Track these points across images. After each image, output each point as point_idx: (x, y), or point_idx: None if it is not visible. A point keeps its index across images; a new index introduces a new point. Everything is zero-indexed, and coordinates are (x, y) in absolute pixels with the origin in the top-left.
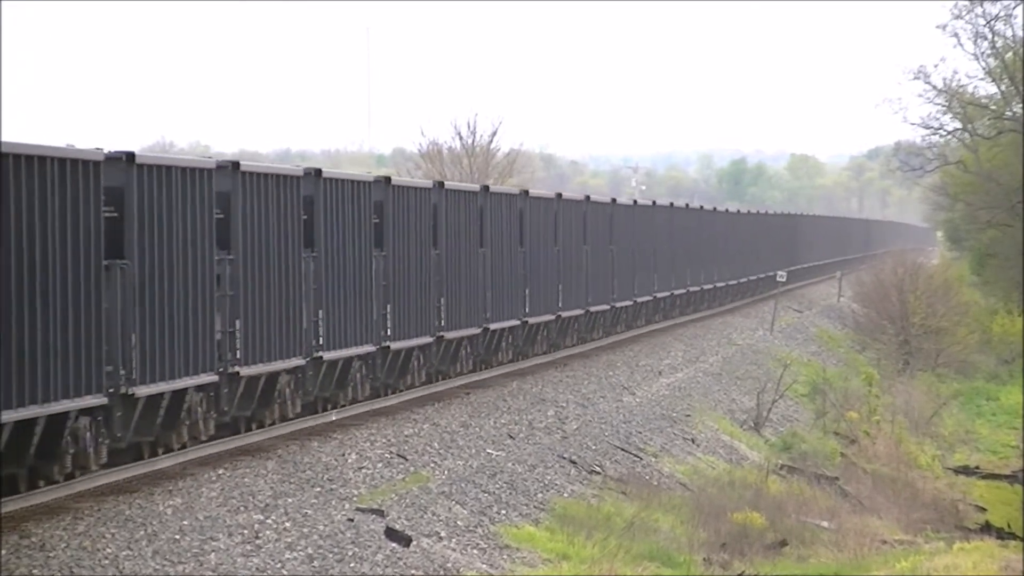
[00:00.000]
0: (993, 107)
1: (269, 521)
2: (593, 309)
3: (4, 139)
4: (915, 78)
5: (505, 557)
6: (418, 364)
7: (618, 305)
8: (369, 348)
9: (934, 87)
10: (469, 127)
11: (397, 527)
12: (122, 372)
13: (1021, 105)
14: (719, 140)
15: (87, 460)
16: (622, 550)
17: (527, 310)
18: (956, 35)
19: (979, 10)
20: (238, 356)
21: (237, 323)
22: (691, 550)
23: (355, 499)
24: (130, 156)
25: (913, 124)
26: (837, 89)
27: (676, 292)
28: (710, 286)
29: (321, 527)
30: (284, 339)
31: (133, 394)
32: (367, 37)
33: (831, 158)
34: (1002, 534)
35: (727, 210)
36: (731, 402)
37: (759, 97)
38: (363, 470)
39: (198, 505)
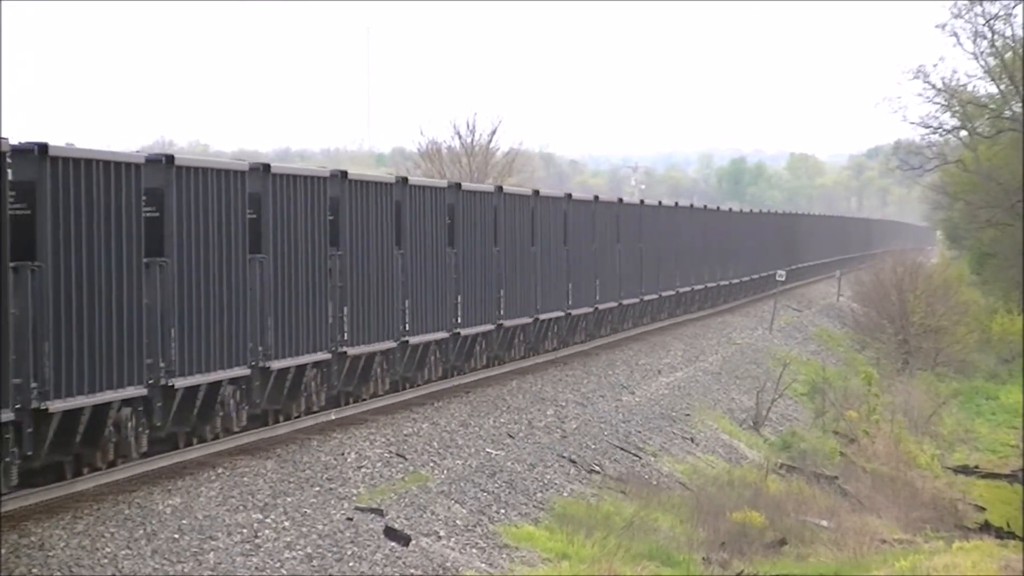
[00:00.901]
0: (992, 106)
1: (268, 520)
2: (601, 307)
3: (36, 141)
4: (914, 77)
5: (504, 556)
6: (435, 359)
7: (625, 303)
8: (390, 344)
9: (933, 86)
10: (468, 126)
11: (396, 526)
12: (162, 365)
13: (1020, 104)
14: (719, 140)
15: (128, 448)
16: (621, 549)
17: (538, 307)
18: (955, 34)
19: (978, 9)
20: (270, 351)
21: (269, 320)
22: (690, 549)
23: (354, 498)
24: (169, 158)
25: (912, 123)
26: (837, 89)
27: (681, 290)
28: (714, 284)
29: (320, 526)
30: (311, 334)
31: (172, 385)
32: (367, 37)
33: (831, 157)
34: (1001, 533)
35: (730, 209)
36: (730, 401)
37: (759, 97)
38: (362, 469)
39: (197, 504)
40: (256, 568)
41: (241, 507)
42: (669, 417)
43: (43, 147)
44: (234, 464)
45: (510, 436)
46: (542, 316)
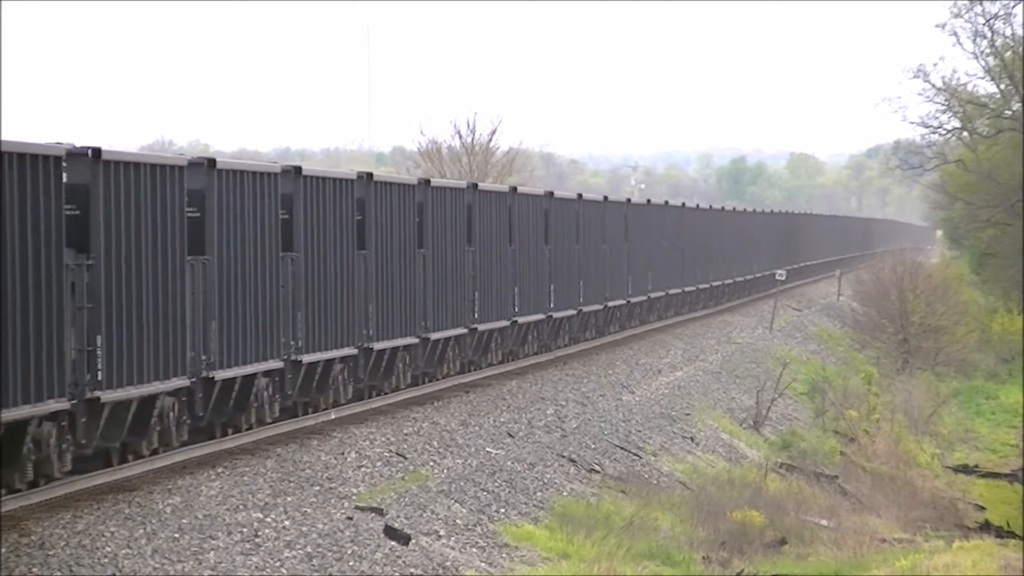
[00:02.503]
0: (992, 106)
1: (268, 520)
2: (611, 304)
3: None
4: (914, 77)
5: (504, 556)
6: (453, 354)
7: (632, 301)
8: (412, 340)
9: (933, 86)
10: (468, 126)
11: (396, 526)
12: (203, 358)
13: (1020, 104)
14: (719, 139)
15: (170, 438)
16: (621, 549)
17: (552, 305)
18: (955, 34)
19: (978, 9)
20: (300, 345)
21: (299, 315)
22: (690, 548)
23: (354, 498)
24: (211, 162)
25: (912, 123)
26: (837, 88)
27: (686, 289)
28: (719, 283)
29: (320, 526)
30: (339, 330)
31: (212, 377)
32: (367, 36)
33: (831, 157)
34: (1001, 533)
35: (734, 209)
36: (730, 401)
37: (759, 96)
38: (362, 469)
39: (197, 504)
40: (256, 567)
41: (241, 506)
42: (669, 416)
43: (96, 151)
44: (234, 463)
45: (510, 435)
46: (555, 314)
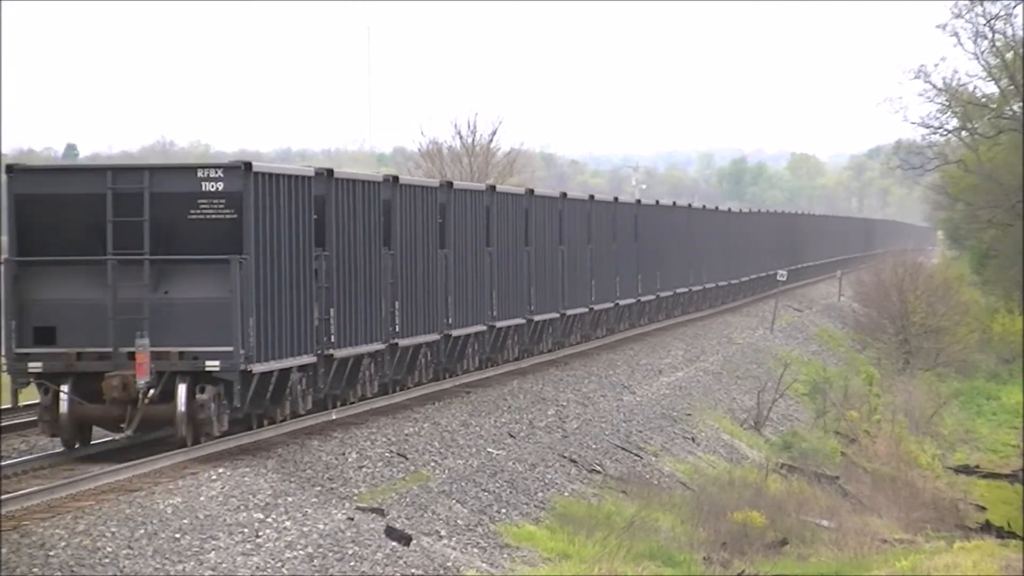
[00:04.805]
0: (993, 106)
1: (269, 520)
2: (622, 303)
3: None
4: (915, 77)
5: (505, 556)
6: (473, 350)
7: (643, 299)
8: (435, 336)
9: (934, 86)
10: (469, 126)
11: (397, 526)
12: (325, 338)
13: (1021, 104)
14: (719, 139)
15: (298, 406)
16: (622, 549)
17: (565, 303)
18: (956, 34)
19: (979, 9)
20: (332, 340)
21: (332, 311)
22: (691, 549)
23: (355, 498)
24: (330, 172)
25: (913, 123)
26: (837, 88)
27: (693, 288)
28: (724, 283)
29: (321, 526)
30: (368, 326)
31: (332, 355)
32: (367, 36)
33: (831, 157)
34: (1002, 533)
35: (739, 210)
36: (731, 401)
37: (759, 96)
38: (363, 469)
39: (198, 504)
40: (257, 568)
41: (242, 507)
42: (670, 417)
43: (248, 164)
44: (235, 464)
45: (511, 436)
46: (568, 312)
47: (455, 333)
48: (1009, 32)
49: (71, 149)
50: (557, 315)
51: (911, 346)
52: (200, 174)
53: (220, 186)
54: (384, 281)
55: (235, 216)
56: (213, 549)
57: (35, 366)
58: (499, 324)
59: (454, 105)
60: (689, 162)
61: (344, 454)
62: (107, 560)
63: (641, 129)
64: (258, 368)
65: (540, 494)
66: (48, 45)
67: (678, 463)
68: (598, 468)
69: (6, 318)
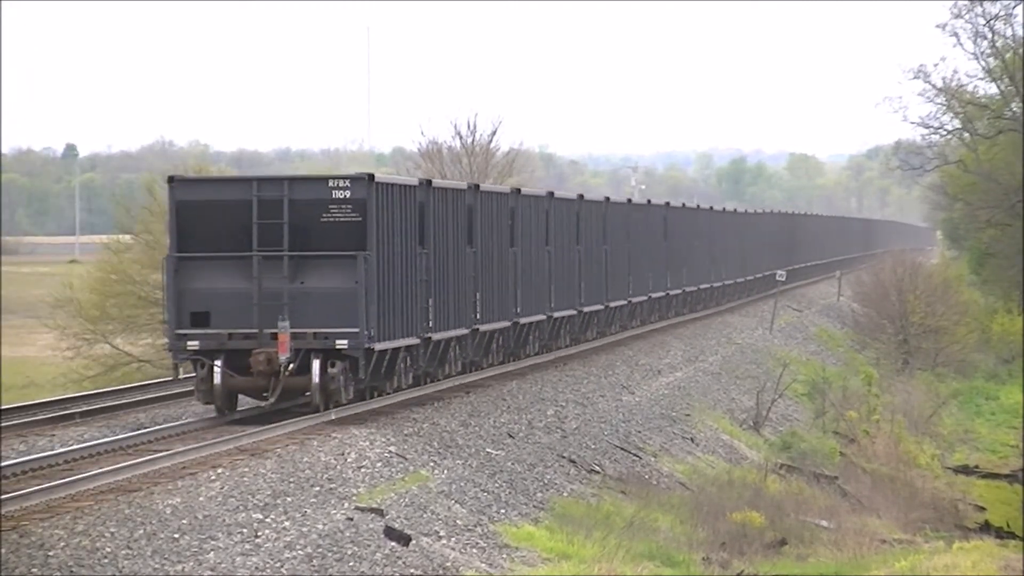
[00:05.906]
0: (993, 106)
1: (268, 520)
2: (635, 300)
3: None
4: (915, 77)
5: (504, 556)
6: (497, 345)
7: (653, 296)
8: (463, 331)
9: (934, 86)
10: (469, 126)
11: (396, 526)
12: (425, 323)
13: (1021, 104)
14: (719, 139)
15: (401, 382)
16: (621, 549)
17: (582, 300)
18: (956, 34)
19: (979, 9)
20: (430, 325)
21: (430, 300)
22: (690, 549)
23: (354, 498)
24: (428, 181)
25: (913, 123)
26: (837, 89)
27: (690, 289)
28: (728, 282)
29: (320, 526)
30: (456, 313)
31: (430, 338)
32: (367, 36)
33: (831, 157)
34: (1001, 533)
35: (738, 210)
36: (730, 401)
37: (759, 96)
38: (362, 469)
39: (197, 504)
40: (256, 568)
41: (241, 507)
42: (669, 417)
43: (371, 176)
44: (234, 464)
45: (510, 436)
46: (585, 309)
47: (482, 329)
48: (1009, 32)
49: (70, 149)
50: (574, 312)
51: (910, 346)
52: (331, 183)
53: (347, 194)
54: (468, 275)
55: (360, 219)
56: (212, 549)
57: (192, 344)
58: (522, 320)
59: (454, 105)
60: (688, 162)
61: (343, 454)
62: (106, 560)
63: (640, 129)
64: (378, 347)
65: (539, 494)
66: (48, 45)
67: (677, 463)
68: (597, 468)
69: (169, 304)
